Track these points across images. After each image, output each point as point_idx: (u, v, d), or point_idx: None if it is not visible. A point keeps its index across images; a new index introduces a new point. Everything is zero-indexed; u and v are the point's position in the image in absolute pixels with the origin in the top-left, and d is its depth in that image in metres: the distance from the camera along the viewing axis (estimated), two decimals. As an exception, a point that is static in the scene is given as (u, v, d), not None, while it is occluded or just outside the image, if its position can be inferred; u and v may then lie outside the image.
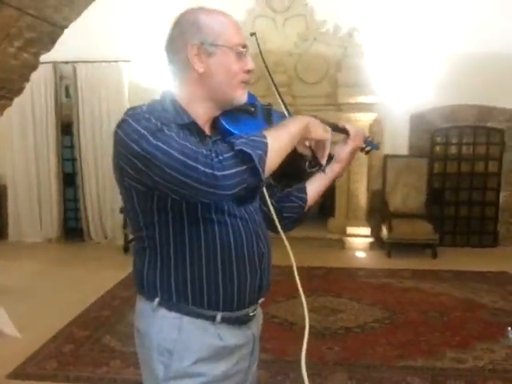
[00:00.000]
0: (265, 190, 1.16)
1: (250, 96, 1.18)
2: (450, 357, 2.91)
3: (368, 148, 1.38)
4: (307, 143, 1.14)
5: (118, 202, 5.62)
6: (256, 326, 1.20)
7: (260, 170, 0.93)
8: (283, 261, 1.19)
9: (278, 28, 5.47)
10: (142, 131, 0.94)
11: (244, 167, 0.92)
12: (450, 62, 5.01)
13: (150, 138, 0.92)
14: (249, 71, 1.09)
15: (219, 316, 1.08)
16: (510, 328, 0.83)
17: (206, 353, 1.07)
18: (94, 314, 3.59)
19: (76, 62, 5.47)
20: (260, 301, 1.18)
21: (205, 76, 1.05)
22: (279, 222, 1.16)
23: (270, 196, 1.19)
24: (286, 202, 1.29)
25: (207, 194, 0.93)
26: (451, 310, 3.63)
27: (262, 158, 0.94)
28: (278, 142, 0.99)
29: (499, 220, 5.57)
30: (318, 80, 5.42)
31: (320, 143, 1.13)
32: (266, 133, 0.99)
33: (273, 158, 0.97)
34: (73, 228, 6.11)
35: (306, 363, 1.01)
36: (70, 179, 6.04)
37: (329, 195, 5.52)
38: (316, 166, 1.16)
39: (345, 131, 1.29)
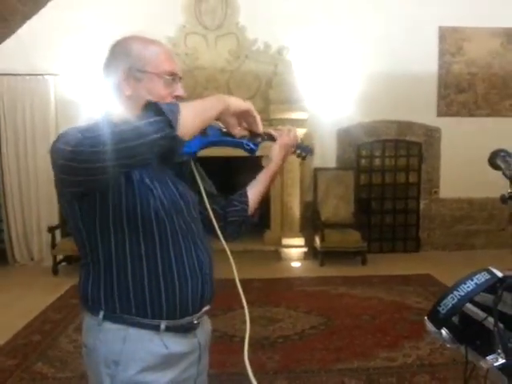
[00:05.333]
0: (205, 198, 1.23)
1: None
2: (382, 356, 3.10)
3: (303, 153, 1.45)
4: (239, 128, 1.20)
5: (45, 220, 5.36)
6: (202, 334, 1.23)
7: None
8: (219, 274, 1.24)
9: (209, 45, 5.57)
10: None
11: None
12: (372, 81, 5.40)
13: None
14: (177, 97, 1.16)
15: (163, 325, 1.11)
16: (425, 318, 0.95)
17: (151, 361, 1.10)
18: (22, 340, 3.38)
19: (-3, 74, 5.19)
20: (204, 309, 1.21)
21: (132, 99, 1.13)
22: (225, 228, 1.24)
23: (213, 204, 1.27)
24: (230, 207, 1.36)
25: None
26: (381, 313, 3.86)
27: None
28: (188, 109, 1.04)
29: (420, 226, 6.02)
30: (250, 96, 5.57)
31: (247, 115, 1.18)
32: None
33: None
34: (-6, 250, 5.71)
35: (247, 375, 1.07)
36: (-10, 198, 5.65)
37: (264, 208, 5.65)
38: (257, 139, 1.23)
39: (270, 136, 1.36)
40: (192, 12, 5.51)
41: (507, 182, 0.99)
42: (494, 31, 5.82)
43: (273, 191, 5.64)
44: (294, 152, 1.43)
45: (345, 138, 5.78)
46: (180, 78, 1.18)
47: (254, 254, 5.46)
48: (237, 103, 1.14)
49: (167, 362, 1.12)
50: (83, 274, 1.14)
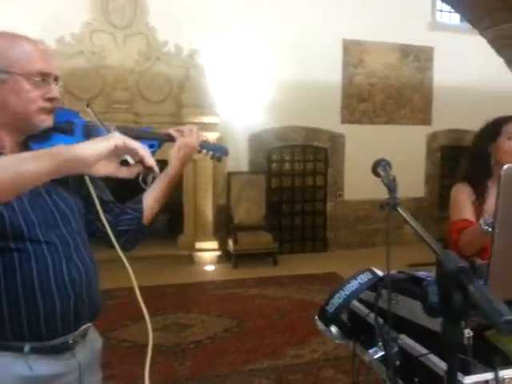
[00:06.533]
0: (98, 205, 1.13)
1: (70, 114, 1.16)
2: (290, 354, 3.22)
3: (217, 154, 1.36)
4: (130, 161, 0.98)
5: None
6: (85, 353, 1.16)
7: None
8: (128, 282, 1.20)
9: (118, 44, 5.39)
10: None
11: None
12: (282, 88, 5.60)
13: None
14: (51, 99, 1.06)
15: (27, 347, 1.04)
16: (316, 317, 1.03)
17: None
18: None
19: None
20: (82, 327, 1.13)
21: None
22: (118, 238, 1.15)
23: (106, 211, 1.17)
24: (122, 215, 1.26)
25: None
26: (290, 312, 4.01)
27: None
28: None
29: (327, 227, 6.34)
30: (162, 99, 5.48)
31: (123, 152, 0.94)
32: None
33: None
34: None
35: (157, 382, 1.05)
36: None
37: (177, 212, 5.59)
38: (149, 172, 1.01)
39: (169, 137, 1.29)
40: (99, 9, 5.29)
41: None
42: (391, 46, 6.33)
43: (186, 195, 5.61)
44: (207, 153, 1.35)
45: (256, 142, 5.91)
46: (56, 78, 1.07)
47: (167, 258, 5.37)
48: (93, 151, 0.87)
49: None
50: None
